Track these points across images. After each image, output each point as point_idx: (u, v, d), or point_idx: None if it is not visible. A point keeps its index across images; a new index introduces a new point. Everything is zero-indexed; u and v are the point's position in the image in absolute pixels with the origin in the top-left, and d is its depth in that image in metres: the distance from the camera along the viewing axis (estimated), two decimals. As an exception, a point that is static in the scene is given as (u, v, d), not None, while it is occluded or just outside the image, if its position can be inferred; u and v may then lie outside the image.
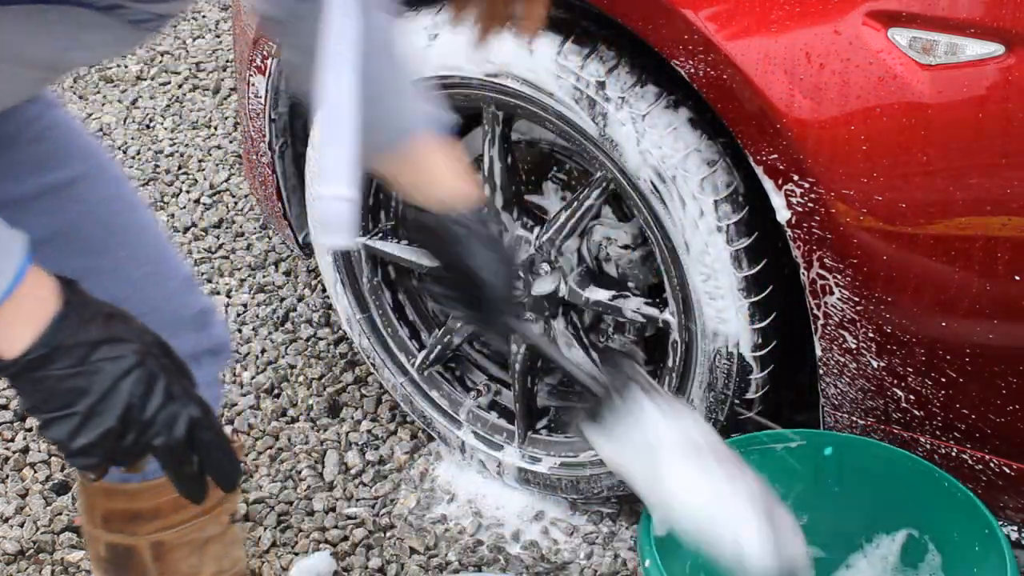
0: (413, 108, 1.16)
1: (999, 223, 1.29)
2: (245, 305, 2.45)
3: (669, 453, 1.25)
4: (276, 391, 2.24)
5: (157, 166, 2.91)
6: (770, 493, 1.30)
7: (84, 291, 0.88)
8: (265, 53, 1.89)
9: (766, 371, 1.61)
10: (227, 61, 3.32)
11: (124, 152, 2.97)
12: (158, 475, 1.23)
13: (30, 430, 2.15)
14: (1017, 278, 1.30)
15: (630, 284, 1.76)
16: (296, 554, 1.91)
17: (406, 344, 2.04)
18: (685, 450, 1.25)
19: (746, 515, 1.21)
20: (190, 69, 3.30)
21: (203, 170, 2.88)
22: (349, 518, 1.97)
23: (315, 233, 1.03)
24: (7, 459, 2.10)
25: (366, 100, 0.99)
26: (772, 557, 1.20)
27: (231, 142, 2.97)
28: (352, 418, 2.16)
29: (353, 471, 2.05)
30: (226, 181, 2.83)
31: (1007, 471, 1.47)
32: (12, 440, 2.15)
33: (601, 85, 1.52)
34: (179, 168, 2.90)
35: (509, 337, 1.62)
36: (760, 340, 1.57)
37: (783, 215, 1.41)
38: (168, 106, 3.15)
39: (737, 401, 1.63)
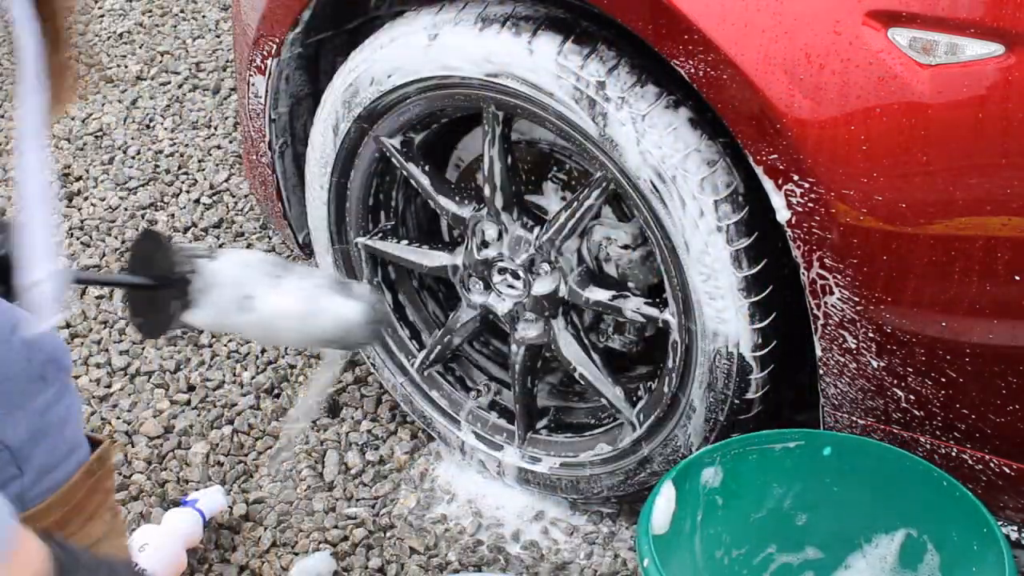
0: None
1: (999, 223, 1.29)
2: (245, 305, 2.44)
3: (253, 289, 1.40)
4: (276, 391, 2.24)
5: (157, 166, 2.91)
6: (329, 275, 1.59)
7: (67, 544, 0.84)
8: (265, 53, 1.89)
9: (766, 371, 1.61)
10: (227, 61, 3.32)
11: (124, 152, 2.97)
12: (42, 499, 1.24)
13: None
14: (1017, 278, 1.30)
15: (630, 284, 1.76)
16: (296, 554, 1.91)
17: (406, 344, 2.05)
18: (261, 279, 1.42)
19: (331, 296, 1.42)
20: (190, 69, 3.30)
21: (203, 170, 2.88)
22: (349, 518, 1.97)
23: (29, 327, 1.06)
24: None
25: None
26: (364, 311, 1.43)
27: (231, 142, 2.97)
28: (352, 418, 2.16)
29: (353, 471, 2.06)
30: (226, 181, 2.83)
31: (1007, 471, 1.47)
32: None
33: (601, 85, 1.52)
34: (179, 168, 2.90)
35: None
36: (760, 340, 1.57)
37: (783, 215, 1.41)
38: (168, 106, 3.15)
39: (737, 401, 1.63)
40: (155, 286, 1.38)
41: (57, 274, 0.93)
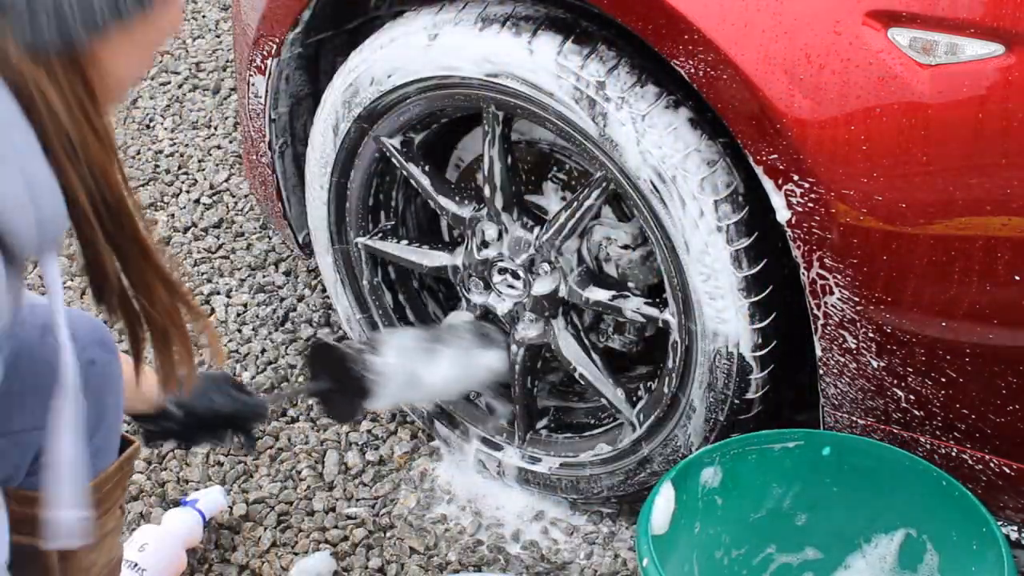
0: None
1: (999, 223, 1.29)
2: (245, 305, 2.45)
3: (416, 368, 1.74)
4: (276, 391, 2.23)
5: (157, 166, 2.90)
6: (468, 325, 1.85)
7: None
8: (265, 53, 1.89)
9: (766, 371, 1.61)
10: (227, 61, 3.32)
11: (124, 152, 2.97)
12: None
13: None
14: (1017, 278, 1.30)
15: (630, 284, 1.76)
16: (296, 554, 1.91)
17: (406, 344, 2.05)
18: (419, 356, 1.76)
19: (477, 351, 1.74)
20: (190, 69, 3.30)
21: (203, 170, 2.88)
22: (349, 518, 1.97)
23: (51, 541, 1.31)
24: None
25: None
26: (504, 355, 1.75)
27: (231, 142, 2.97)
28: (352, 418, 2.16)
29: (353, 471, 2.05)
30: (226, 181, 2.83)
31: (1007, 471, 1.47)
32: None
33: (601, 85, 1.52)
34: (179, 168, 2.90)
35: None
36: (760, 340, 1.57)
37: (783, 215, 1.41)
38: (168, 106, 3.15)
39: (737, 401, 1.63)
40: (338, 389, 1.72)
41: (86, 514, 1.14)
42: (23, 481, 1.26)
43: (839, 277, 1.41)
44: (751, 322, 1.55)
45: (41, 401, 1.19)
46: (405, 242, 1.95)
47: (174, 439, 1.56)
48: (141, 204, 1.08)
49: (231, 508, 1.98)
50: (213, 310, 2.44)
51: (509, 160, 1.73)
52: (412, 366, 1.74)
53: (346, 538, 1.94)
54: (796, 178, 1.38)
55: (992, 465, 1.47)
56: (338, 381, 1.73)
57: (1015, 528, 1.53)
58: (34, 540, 1.31)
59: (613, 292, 1.73)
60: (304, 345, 2.32)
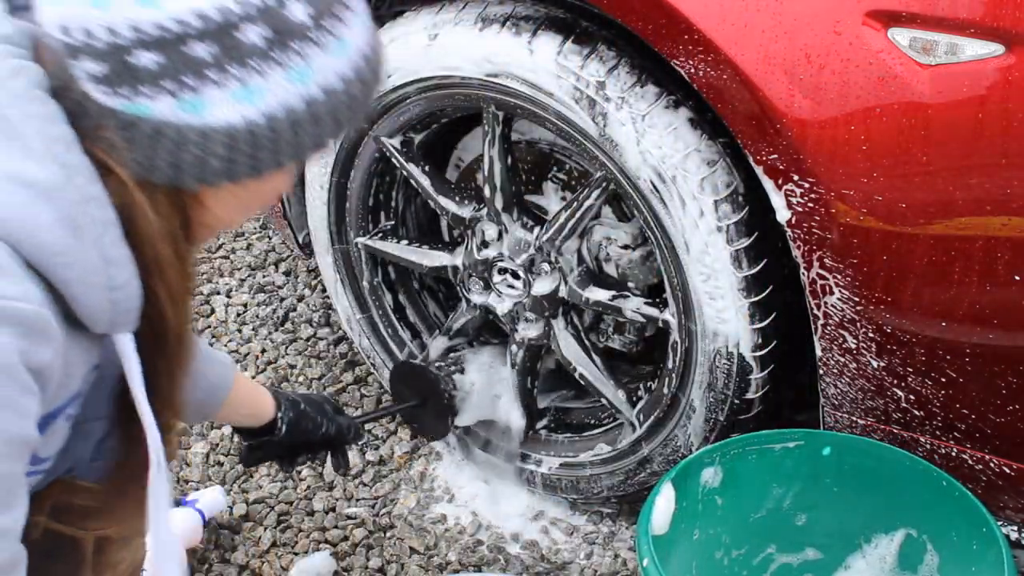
0: (218, 368, 1.45)
1: (999, 223, 1.29)
2: (245, 305, 2.45)
3: (496, 388, 1.88)
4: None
5: (157, 166, 2.90)
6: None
7: None
8: (265, 53, 1.88)
9: (766, 371, 1.61)
10: (227, 61, 3.32)
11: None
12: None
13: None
14: (1017, 278, 1.30)
15: (630, 284, 1.76)
16: (296, 554, 1.91)
17: (407, 345, 2.05)
18: (500, 377, 1.88)
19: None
20: (190, 69, 3.30)
21: (203, 170, 2.88)
22: (349, 518, 1.97)
23: None
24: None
25: (202, 398, 1.41)
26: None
27: (231, 142, 2.96)
28: (352, 418, 2.16)
29: (353, 471, 2.05)
30: (226, 181, 2.83)
31: (1007, 471, 1.47)
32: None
33: (601, 85, 1.52)
34: (179, 168, 2.89)
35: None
36: (760, 340, 1.57)
37: (783, 215, 1.41)
38: (168, 106, 3.14)
39: (737, 401, 1.63)
40: (427, 408, 1.86)
41: None
42: (77, 470, 1.27)
43: (839, 277, 1.41)
44: (751, 322, 1.55)
45: (103, 394, 1.20)
46: (405, 242, 1.95)
47: (275, 460, 1.63)
48: (194, 343, 1.13)
49: (231, 508, 1.98)
50: (213, 310, 2.44)
51: (509, 160, 1.73)
52: (494, 388, 1.87)
53: (346, 538, 1.94)
54: (796, 178, 1.38)
55: (992, 465, 1.47)
56: (425, 400, 1.86)
57: (1015, 528, 1.53)
58: (75, 531, 1.31)
59: (613, 292, 1.73)
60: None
